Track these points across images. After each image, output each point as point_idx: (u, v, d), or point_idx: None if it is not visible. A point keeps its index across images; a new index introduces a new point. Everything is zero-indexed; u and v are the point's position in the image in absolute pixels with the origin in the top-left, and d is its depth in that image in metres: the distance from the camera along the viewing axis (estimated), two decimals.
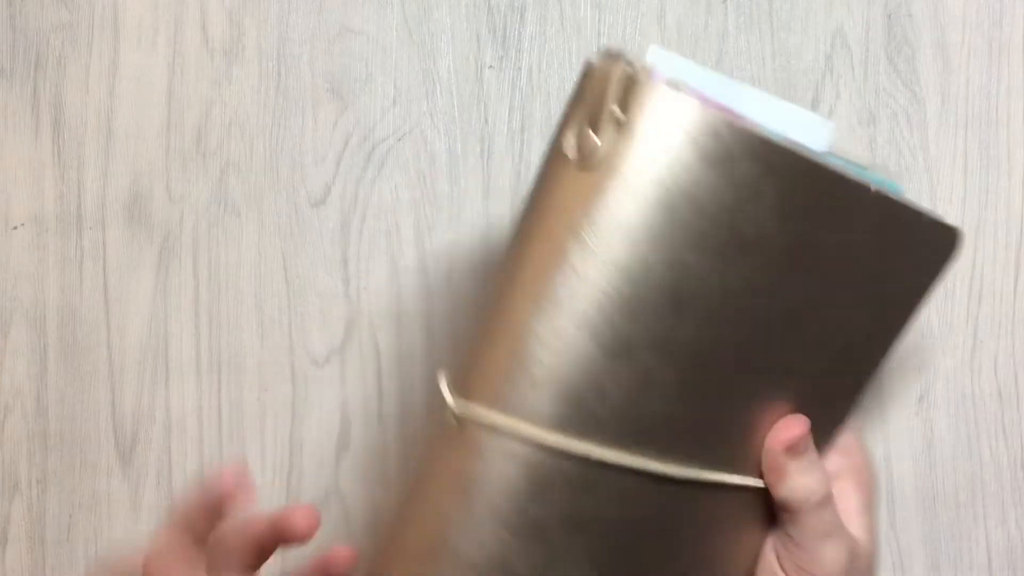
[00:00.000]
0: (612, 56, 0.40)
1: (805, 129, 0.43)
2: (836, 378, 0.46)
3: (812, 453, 0.46)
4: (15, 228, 0.58)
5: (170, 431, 0.58)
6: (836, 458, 0.48)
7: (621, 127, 0.39)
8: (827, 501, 0.46)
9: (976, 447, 0.58)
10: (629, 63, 0.39)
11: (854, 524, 0.47)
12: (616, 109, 0.39)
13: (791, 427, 0.46)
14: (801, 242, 0.41)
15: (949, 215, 0.58)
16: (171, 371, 0.58)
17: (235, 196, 0.58)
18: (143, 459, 0.58)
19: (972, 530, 0.58)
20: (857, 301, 0.44)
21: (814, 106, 0.58)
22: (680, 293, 0.40)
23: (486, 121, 0.58)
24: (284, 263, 0.58)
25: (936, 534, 0.58)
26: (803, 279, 0.42)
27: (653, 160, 0.39)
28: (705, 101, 0.39)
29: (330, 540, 0.57)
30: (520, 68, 0.58)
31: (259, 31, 0.58)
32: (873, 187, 0.42)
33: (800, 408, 0.45)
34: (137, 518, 0.58)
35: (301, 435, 0.57)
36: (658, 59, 0.40)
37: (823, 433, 0.46)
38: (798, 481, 0.46)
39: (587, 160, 0.39)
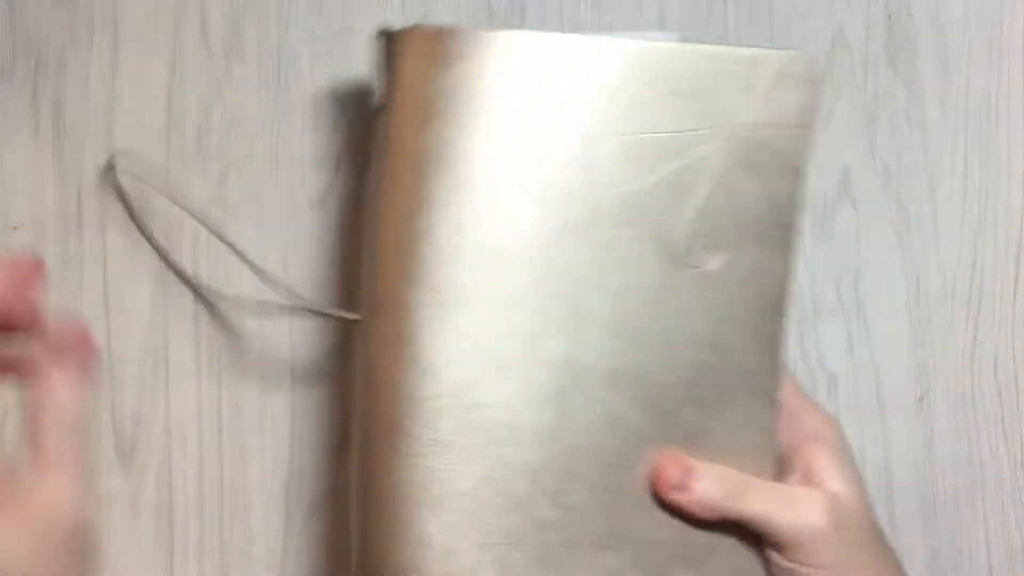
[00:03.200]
0: (386, 26, 0.50)
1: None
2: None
3: (701, 476, 0.49)
4: (15, 228, 0.58)
5: (170, 432, 0.58)
6: (787, 428, 0.51)
7: (387, 69, 0.49)
8: (745, 490, 0.49)
9: (976, 447, 0.58)
10: (392, 27, 0.49)
11: (828, 482, 0.49)
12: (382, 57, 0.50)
13: (665, 473, 0.49)
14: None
15: (949, 215, 0.58)
16: (171, 372, 0.58)
17: (235, 196, 0.58)
18: (143, 460, 0.58)
19: (972, 530, 0.58)
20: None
21: None
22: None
23: None
24: (284, 263, 0.58)
25: (936, 534, 0.58)
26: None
27: (409, 83, 0.49)
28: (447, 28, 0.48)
29: (329, 541, 0.57)
30: None
31: (259, 31, 0.58)
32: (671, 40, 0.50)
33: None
34: (137, 518, 0.58)
35: (301, 436, 0.57)
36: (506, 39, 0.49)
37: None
38: (706, 500, 0.49)
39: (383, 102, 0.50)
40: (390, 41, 0.49)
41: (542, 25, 0.58)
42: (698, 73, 0.48)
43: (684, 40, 0.51)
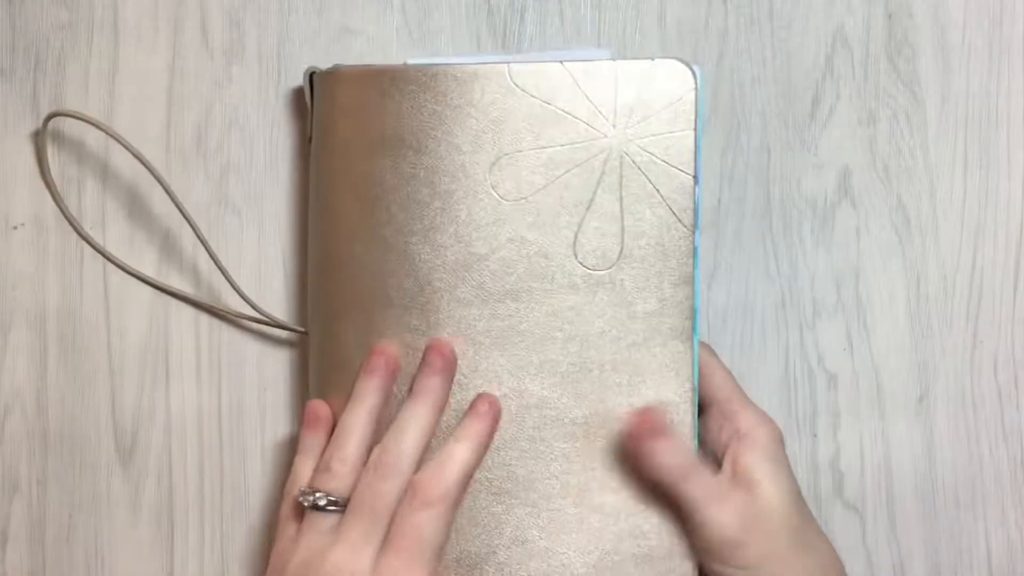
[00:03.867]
0: (312, 68, 0.55)
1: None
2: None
3: (673, 437, 0.51)
4: (15, 228, 0.58)
5: (170, 431, 0.58)
6: (720, 427, 0.52)
7: (313, 105, 0.55)
8: (693, 472, 0.50)
9: (976, 447, 0.58)
10: (316, 69, 0.55)
11: (752, 481, 0.50)
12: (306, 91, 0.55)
13: (647, 416, 0.51)
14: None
15: (949, 215, 0.58)
16: (171, 371, 0.58)
17: (235, 196, 0.58)
18: (143, 459, 0.58)
19: (972, 530, 0.58)
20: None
21: (814, 106, 0.58)
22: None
23: None
24: (284, 263, 0.58)
25: (936, 534, 0.58)
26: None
27: (318, 111, 0.55)
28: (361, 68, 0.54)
29: None
30: None
31: (259, 31, 0.58)
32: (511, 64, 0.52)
33: None
34: (137, 518, 0.58)
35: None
36: (416, 61, 0.57)
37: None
38: (664, 465, 0.50)
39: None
40: (314, 80, 0.54)
41: (542, 25, 0.58)
42: (584, 87, 0.52)
43: (615, 57, 0.56)
